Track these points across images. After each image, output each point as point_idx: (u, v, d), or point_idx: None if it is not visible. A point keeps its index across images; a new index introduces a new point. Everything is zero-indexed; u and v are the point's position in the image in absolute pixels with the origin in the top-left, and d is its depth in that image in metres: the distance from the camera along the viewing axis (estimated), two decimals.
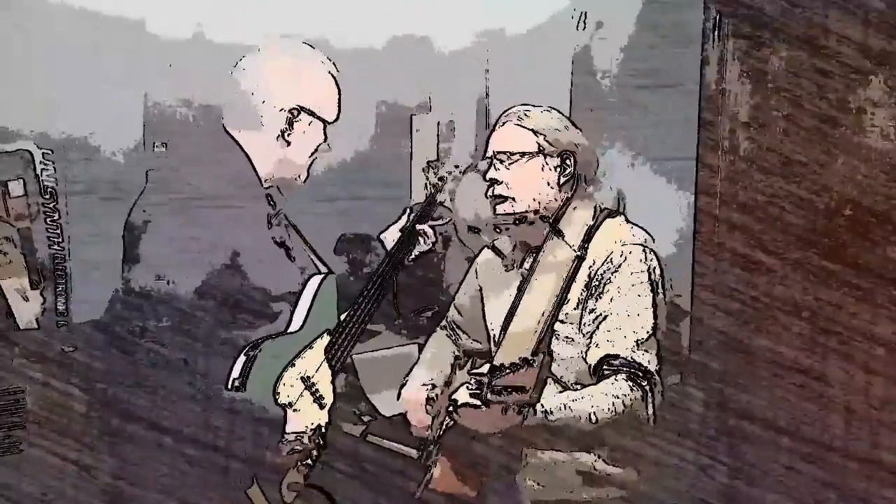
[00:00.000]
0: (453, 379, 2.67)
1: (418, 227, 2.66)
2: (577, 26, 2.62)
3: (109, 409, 2.60)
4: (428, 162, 2.65)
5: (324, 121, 2.61)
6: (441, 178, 2.66)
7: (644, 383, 2.42)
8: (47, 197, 2.54)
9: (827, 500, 2.66)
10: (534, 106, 2.55)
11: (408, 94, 2.62)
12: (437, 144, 2.68)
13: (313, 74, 2.59)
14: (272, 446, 2.61)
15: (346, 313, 2.62)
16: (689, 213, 2.63)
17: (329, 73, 2.59)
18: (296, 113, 2.58)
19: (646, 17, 2.61)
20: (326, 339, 2.61)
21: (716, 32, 2.59)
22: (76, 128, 2.53)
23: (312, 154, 2.62)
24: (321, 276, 2.62)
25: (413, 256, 2.67)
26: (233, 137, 2.59)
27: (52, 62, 2.51)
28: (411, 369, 2.67)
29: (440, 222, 2.71)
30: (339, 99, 2.61)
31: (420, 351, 2.71)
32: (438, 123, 2.67)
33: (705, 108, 2.61)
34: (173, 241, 2.56)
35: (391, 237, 2.67)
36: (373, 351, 2.69)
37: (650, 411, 2.44)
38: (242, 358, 2.56)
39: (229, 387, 2.56)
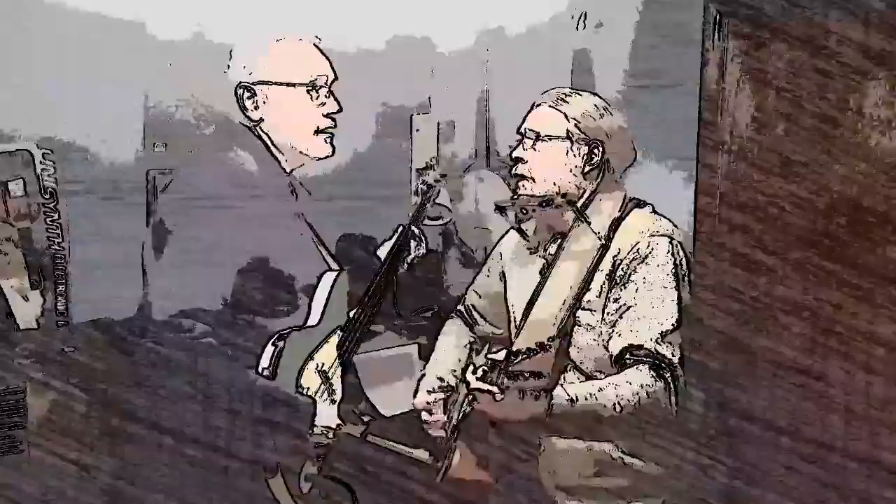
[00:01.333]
0: (471, 365, 2.67)
1: (412, 229, 2.67)
2: (577, 26, 2.62)
3: (109, 409, 2.60)
4: (417, 169, 2.65)
5: (289, 84, 2.59)
6: (429, 186, 2.66)
7: (667, 375, 2.43)
8: (47, 197, 2.54)
9: (827, 500, 2.66)
10: (577, 91, 2.55)
11: (408, 94, 2.62)
12: (437, 144, 2.68)
13: (262, 48, 2.58)
14: (271, 446, 2.61)
15: (352, 313, 2.63)
16: (689, 213, 2.63)
17: (284, 38, 2.58)
18: (247, 87, 2.57)
19: (646, 17, 2.61)
20: (338, 335, 2.62)
21: (716, 32, 2.59)
22: (76, 128, 2.53)
23: (326, 123, 2.61)
24: (335, 273, 2.63)
25: (408, 262, 2.67)
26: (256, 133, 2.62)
27: (52, 62, 2.51)
28: (424, 369, 2.67)
29: (440, 222, 2.71)
30: (323, 59, 2.59)
31: (420, 351, 2.71)
32: (438, 123, 2.67)
33: (705, 108, 2.61)
34: (173, 241, 2.56)
35: (384, 253, 2.67)
36: (373, 351, 2.69)
37: (673, 402, 2.45)
38: (270, 348, 2.58)
39: (259, 371, 2.57)
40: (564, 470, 2.53)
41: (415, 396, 2.64)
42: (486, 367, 2.41)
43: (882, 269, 2.61)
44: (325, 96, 2.61)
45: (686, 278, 2.50)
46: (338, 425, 2.61)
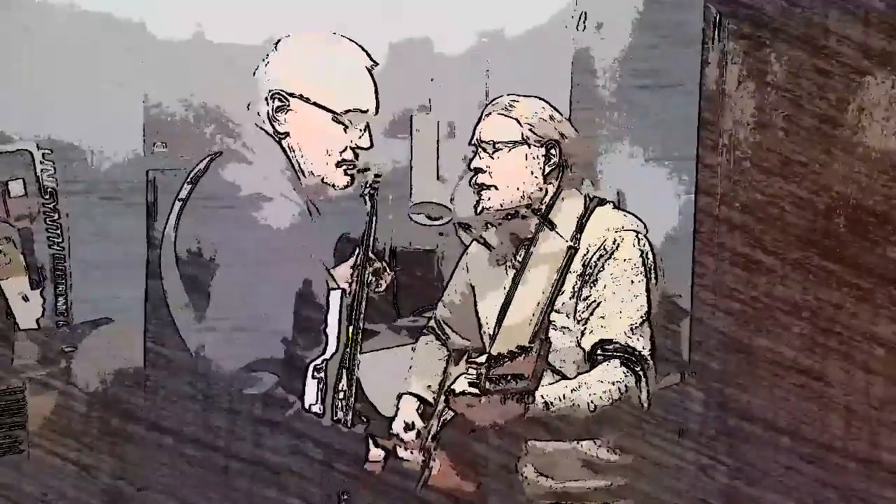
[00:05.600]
0: (448, 378, 2.67)
1: (371, 276, 2.62)
2: (577, 26, 2.62)
3: (109, 409, 2.60)
4: (361, 168, 2.58)
5: (330, 110, 2.53)
6: (372, 186, 2.60)
7: (637, 368, 2.43)
8: (47, 197, 2.54)
9: (827, 500, 2.66)
10: (522, 96, 2.55)
11: (408, 96, 2.62)
12: (437, 144, 2.68)
13: (305, 56, 2.53)
14: (277, 447, 2.61)
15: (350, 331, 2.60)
16: (689, 213, 2.63)
17: (349, 62, 2.52)
18: (282, 97, 2.51)
19: (646, 17, 2.61)
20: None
21: (716, 32, 2.59)
22: (76, 128, 2.53)
23: (342, 156, 2.55)
24: (339, 292, 2.60)
25: (377, 286, 2.65)
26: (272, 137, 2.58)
27: (52, 62, 2.51)
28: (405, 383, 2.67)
29: (440, 222, 2.71)
30: (369, 91, 2.53)
31: None
32: (438, 123, 2.67)
33: (705, 108, 2.61)
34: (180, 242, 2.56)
35: (341, 274, 2.62)
36: (373, 351, 2.69)
37: (644, 396, 2.45)
38: (313, 381, 2.54)
39: (307, 408, 2.55)
40: (551, 472, 2.53)
41: (393, 419, 2.64)
42: (476, 372, 2.40)
43: (882, 269, 2.61)
44: (360, 130, 2.55)
45: (654, 271, 2.51)
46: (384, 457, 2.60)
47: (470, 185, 2.57)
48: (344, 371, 2.58)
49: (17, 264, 2.55)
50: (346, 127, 2.55)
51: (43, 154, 2.53)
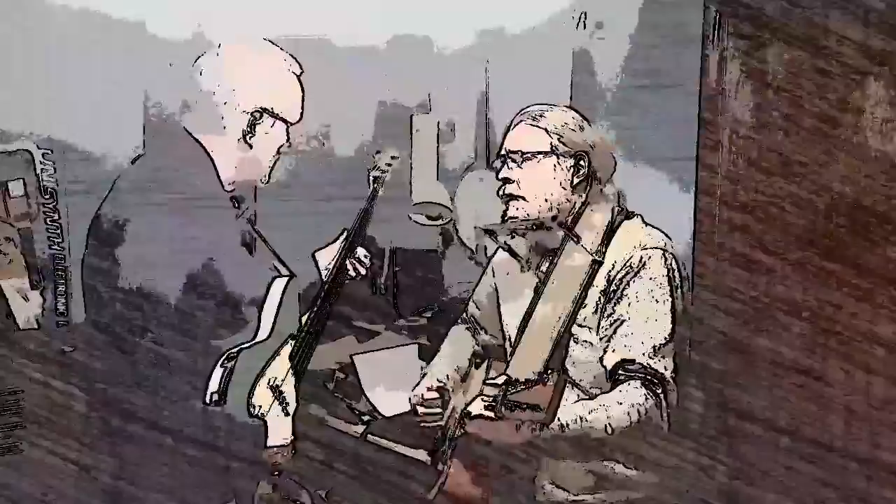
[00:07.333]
0: (470, 374, 2.66)
1: (348, 262, 2.63)
2: (577, 26, 2.62)
3: (109, 409, 2.60)
4: (376, 152, 2.62)
5: (287, 122, 2.57)
6: (382, 171, 2.62)
7: (658, 390, 2.42)
8: (47, 197, 2.54)
9: (827, 500, 2.66)
10: (551, 105, 2.54)
11: (408, 94, 2.62)
12: (437, 144, 2.68)
13: (276, 74, 2.55)
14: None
15: (304, 319, 2.60)
16: (689, 214, 2.63)
17: (291, 72, 2.55)
18: (258, 115, 2.54)
19: (646, 17, 2.61)
20: (291, 344, 2.59)
21: (716, 32, 2.59)
22: (76, 128, 2.53)
23: (276, 156, 2.58)
24: (285, 280, 2.59)
25: (355, 270, 2.65)
26: (196, 140, 2.56)
27: (52, 62, 2.51)
28: (425, 368, 2.67)
29: (440, 222, 2.71)
30: (303, 99, 2.57)
31: (420, 351, 2.71)
32: (438, 123, 2.67)
33: (705, 108, 2.61)
34: (173, 240, 2.55)
35: (327, 256, 2.63)
36: (373, 351, 2.69)
37: (664, 418, 2.44)
38: (219, 370, 2.54)
39: (207, 400, 2.54)
40: (565, 484, 2.52)
41: (392, 419, 2.64)
42: (489, 397, 2.39)
43: (882, 269, 2.61)
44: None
45: (680, 290, 2.50)
46: (293, 440, 2.59)
47: (497, 195, 2.55)
48: (288, 359, 2.57)
49: (17, 264, 2.55)
50: (289, 137, 2.59)
51: (43, 154, 2.53)
